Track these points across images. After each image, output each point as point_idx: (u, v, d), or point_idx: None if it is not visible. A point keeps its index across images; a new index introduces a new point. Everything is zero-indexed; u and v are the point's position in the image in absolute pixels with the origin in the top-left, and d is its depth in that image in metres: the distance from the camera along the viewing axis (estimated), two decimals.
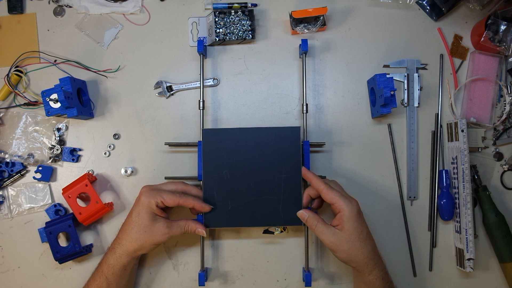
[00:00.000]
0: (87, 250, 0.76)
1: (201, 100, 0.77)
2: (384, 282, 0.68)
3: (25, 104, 0.80)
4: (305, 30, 0.79)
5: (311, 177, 0.70)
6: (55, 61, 0.81)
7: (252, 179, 0.72)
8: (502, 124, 0.81)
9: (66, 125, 0.80)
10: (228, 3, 0.79)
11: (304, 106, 0.77)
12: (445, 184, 0.78)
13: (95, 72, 0.81)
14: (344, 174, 0.80)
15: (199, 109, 0.77)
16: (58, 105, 0.75)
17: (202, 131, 0.73)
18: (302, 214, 0.70)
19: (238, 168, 0.72)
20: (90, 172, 0.80)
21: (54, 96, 0.74)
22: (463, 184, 0.76)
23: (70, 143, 0.80)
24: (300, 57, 0.81)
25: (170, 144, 0.77)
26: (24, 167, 0.79)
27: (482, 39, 0.77)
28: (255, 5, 0.81)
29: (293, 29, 0.79)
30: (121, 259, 0.69)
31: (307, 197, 0.72)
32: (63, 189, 0.75)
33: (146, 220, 0.68)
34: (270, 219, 0.73)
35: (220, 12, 0.79)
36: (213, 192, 0.72)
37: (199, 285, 0.74)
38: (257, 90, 0.81)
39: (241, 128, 0.74)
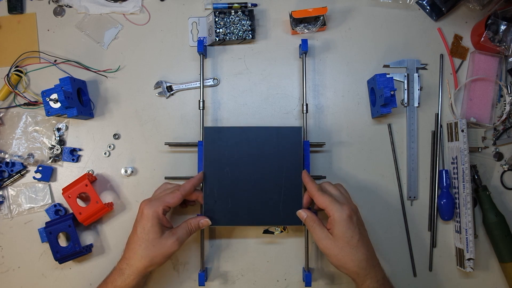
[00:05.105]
0: (87, 250, 0.76)
1: (201, 100, 0.77)
2: None
3: (25, 104, 0.80)
4: (305, 30, 0.79)
5: (307, 181, 0.70)
6: (55, 61, 0.81)
7: (252, 178, 0.72)
8: (502, 124, 0.81)
9: (66, 125, 0.80)
10: (228, 3, 0.79)
11: (304, 106, 0.77)
12: (445, 184, 0.78)
13: (95, 72, 0.81)
14: (344, 174, 0.80)
15: (199, 109, 0.77)
16: (58, 105, 0.75)
17: (203, 128, 0.74)
18: (301, 213, 0.70)
19: (239, 166, 0.72)
20: (90, 172, 0.80)
21: (54, 96, 0.74)
22: (463, 184, 0.76)
23: (70, 143, 0.80)
24: (300, 57, 0.81)
25: (170, 144, 0.77)
26: (24, 167, 0.79)
27: (482, 39, 0.77)
28: (255, 5, 0.81)
29: (293, 29, 0.79)
30: (129, 280, 0.65)
31: (307, 197, 0.72)
32: (63, 189, 0.75)
33: (152, 233, 0.65)
34: (270, 218, 0.72)
35: (220, 12, 0.79)
36: (214, 190, 0.72)
37: (199, 285, 0.74)
38: (257, 90, 0.81)
39: (242, 127, 0.74)
